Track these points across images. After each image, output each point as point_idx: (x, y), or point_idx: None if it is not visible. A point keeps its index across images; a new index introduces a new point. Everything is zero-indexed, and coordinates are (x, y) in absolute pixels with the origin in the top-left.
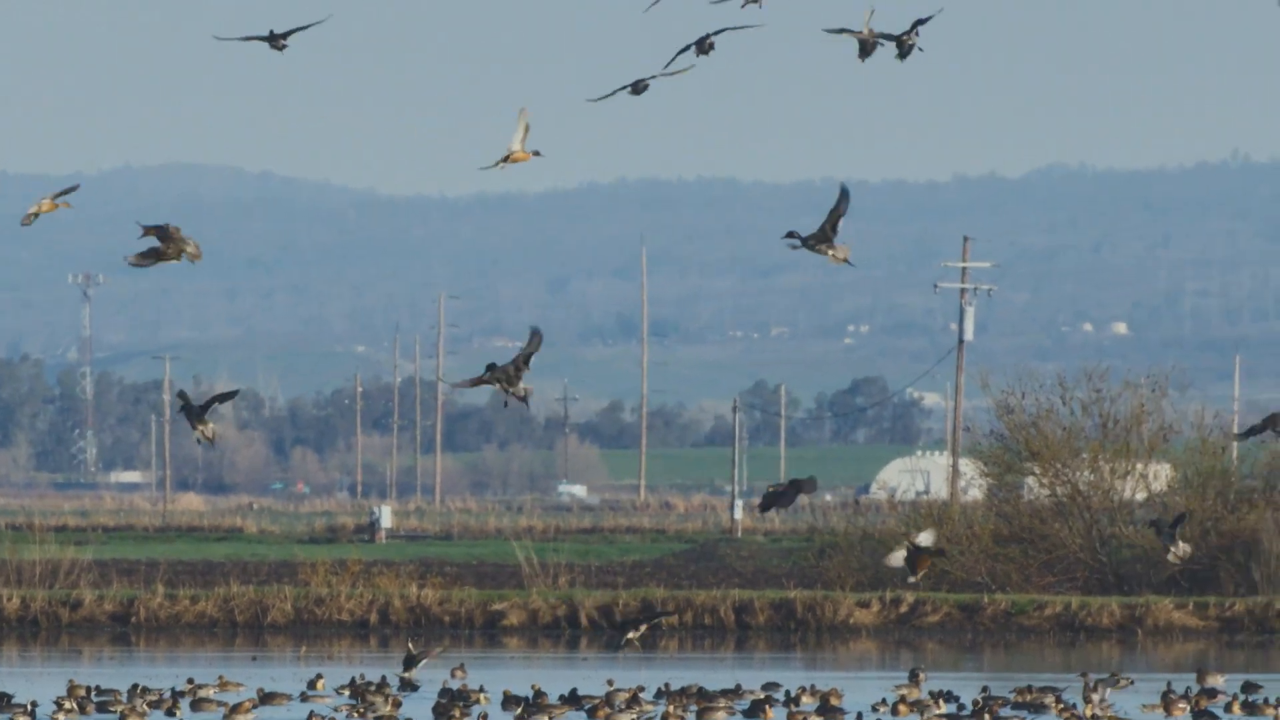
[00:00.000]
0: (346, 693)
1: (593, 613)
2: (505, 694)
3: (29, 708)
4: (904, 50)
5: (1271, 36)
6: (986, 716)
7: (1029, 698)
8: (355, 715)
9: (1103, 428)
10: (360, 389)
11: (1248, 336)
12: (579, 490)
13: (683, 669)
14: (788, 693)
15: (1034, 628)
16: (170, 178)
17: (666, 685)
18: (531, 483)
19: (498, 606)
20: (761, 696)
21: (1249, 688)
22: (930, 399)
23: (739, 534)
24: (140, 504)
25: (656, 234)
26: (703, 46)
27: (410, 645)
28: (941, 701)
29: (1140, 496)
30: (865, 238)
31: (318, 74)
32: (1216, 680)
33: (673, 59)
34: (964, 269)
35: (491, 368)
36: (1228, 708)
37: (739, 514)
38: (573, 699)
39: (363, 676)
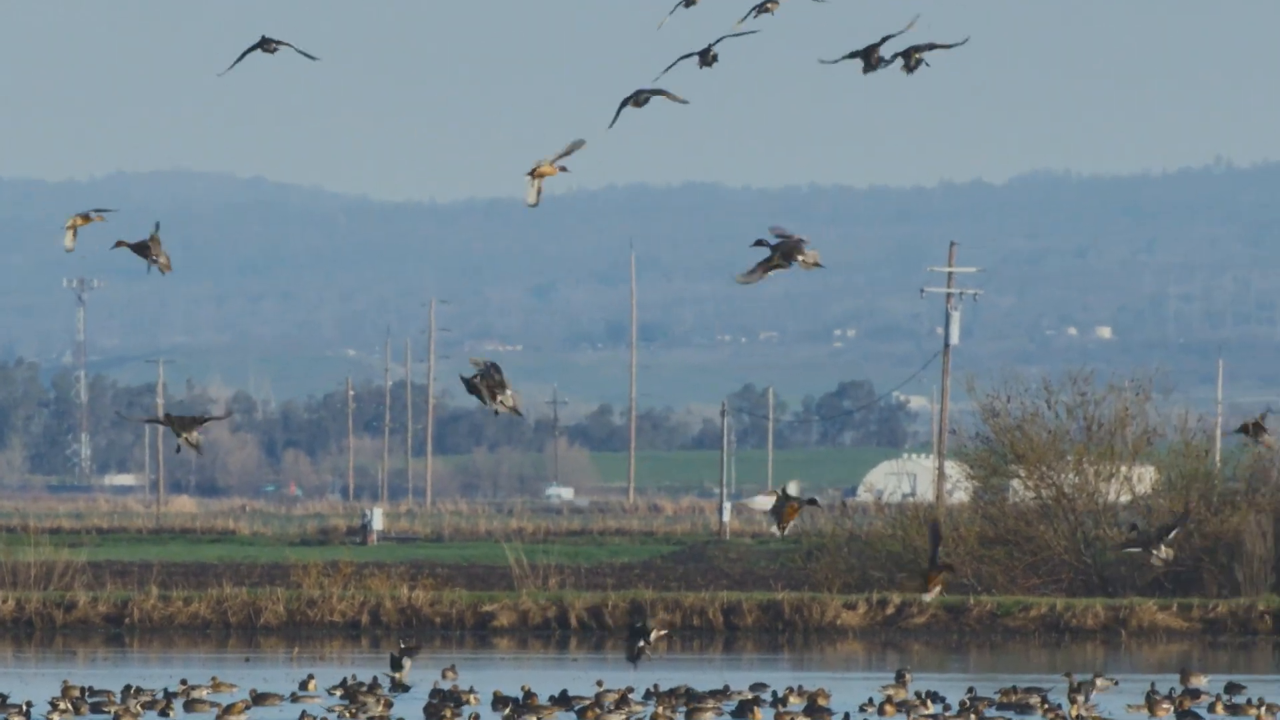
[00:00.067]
0: (338, 693)
1: (582, 614)
2: (495, 695)
3: (24, 708)
4: (911, 66)
5: (1254, 43)
6: (972, 717)
7: (1014, 698)
8: (347, 716)
9: (1087, 431)
10: (352, 392)
11: (1230, 340)
12: (566, 493)
13: (671, 670)
14: (775, 693)
15: (1019, 629)
16: (163, 184)
17: (655, 686)
18: (522, 485)
19: (488, 608)
20: (749, 697)
21: (1232, 688)
22: (916, 402)
23: (727, 536)
24: (134, 506)
25: (645, 239)
26: (706, 58)
27: (402, 644)
28: (930, 702)
29: (1124, 499)
30: (851, 243)
31: (310, 81)
32: (1200, 681)
33: (672, 64)
34: (950, 274)
35: (484, 373)
36: (1211, 708)
37: (727, 516)
38: (563, 700)
39: (354, 677)
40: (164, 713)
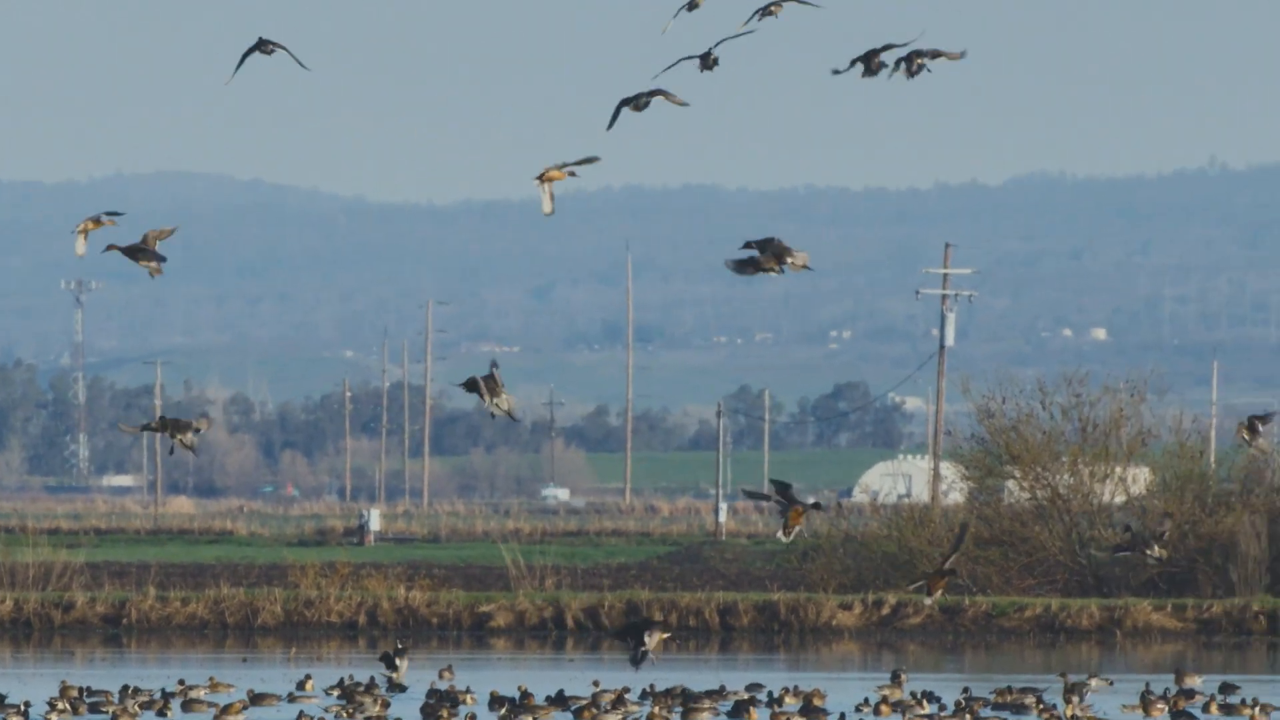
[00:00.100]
0: (336, 694)
1: (579, 614)
2: (492, 695)
3: (22, 708)
4: (913, 72)
5: (1249, 47)
6: (968, 717)
7: (1009, 698)
8: (344, 716)
9: (1082, 432)
10: (349, 393)
11: (1225, 342)
12: (562, 493)
13: (667, 670)
14: (771, 694)
15: (1014, 629)
16: (162, 185)
17: (651, 686)
18: (518, 486)
19: (485, 608)
20: (745, 697)
21: (1226, 688)
22: (912, 403)
23: (723, 537)
24: (132, 507)
25: (641, 240)
26: (706, 61)
27: (398, 644)
28: (926, 702)
29: (1119, 500)
30: (847, 244)
31: (308, 83)
32: (1194, 681)
33: (672, 65)
34: (945, 275)
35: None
36: (1205, 708)
37: (723, 517)
38: (559, 700)
39: (351, 677)
40: (162, 713)
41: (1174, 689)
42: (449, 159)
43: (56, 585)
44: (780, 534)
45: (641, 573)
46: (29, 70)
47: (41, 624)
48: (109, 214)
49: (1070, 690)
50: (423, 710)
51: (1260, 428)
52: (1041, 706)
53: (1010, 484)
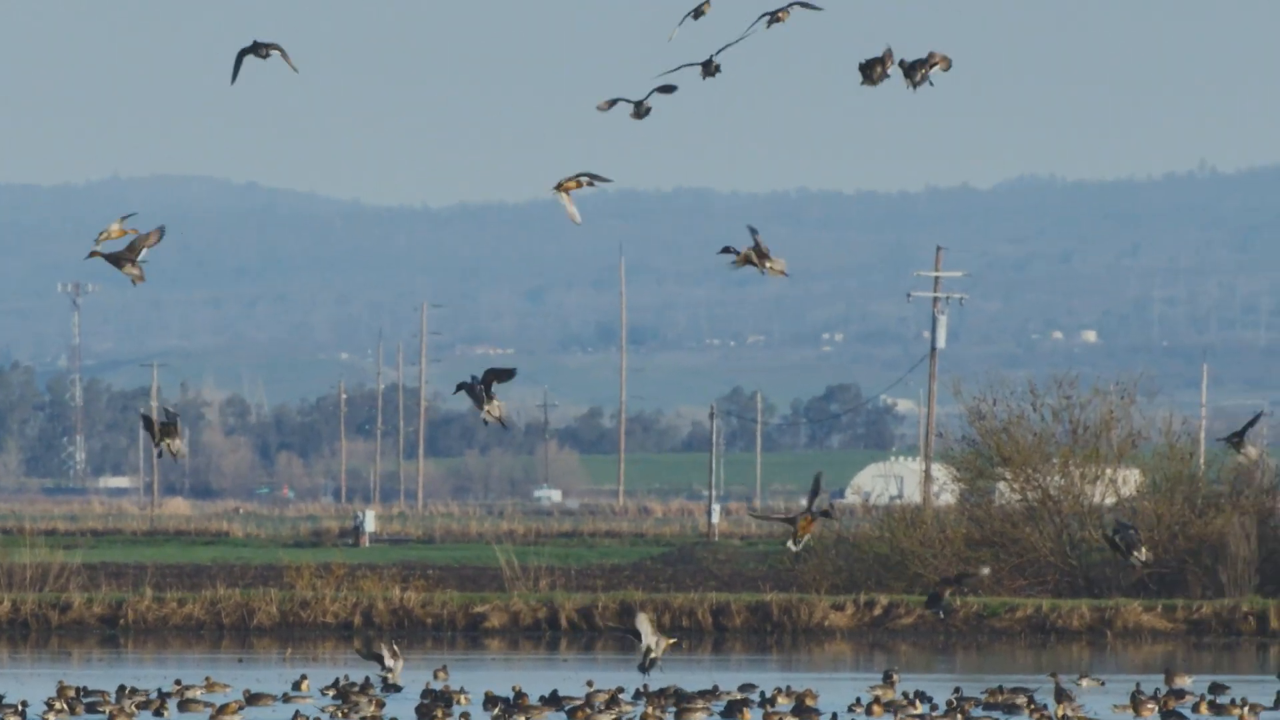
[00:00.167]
0: (331, 694)
1: (573, 615)
2: (487, 695)
3: (19, 708)
4: (916, 83)
5: (1239, 50)
6: (959, 717)
7: (1001, 698)
8: (340, 716)
9: (1073, 433)
10: (344, 395)
11: (1215, 344)
12: (555, 494)
13: (660, 670)
14: (763, 694)
15: (1005, 630)
16: (158, 188)
17: (645, 686)
18: (512, 487)
19: (479, 609)
20: (738, 698)
21: (1216, 689)
22: (903, 405)
23: (716, 538)
24: (128, 509)
25: (634, 244)
26: (708, 68)
27: (395, 646)
28: (919, 702)
29: (1109, 501)
30: (839, 247)
31: (304, 87)
32: (1184, 681)
33: (673, 70)
34: (936, 278)
35: (462, 386)
36: (1195, 708)
37: (716, 518)
38: (553, 700)
39: (347, 677)
40: (158, 713)
41: (1164, 689)
42: (444, 163)
43: (54, 586)
44: (790, 543)
45: (635, 573)
46: (26, 73)
47: (39, 624)
48: (126, 217)
49: (1060, 695)
50: (418, 710)
51: (1246, 440)
52: (1033, 707)
53: (1001, 485)
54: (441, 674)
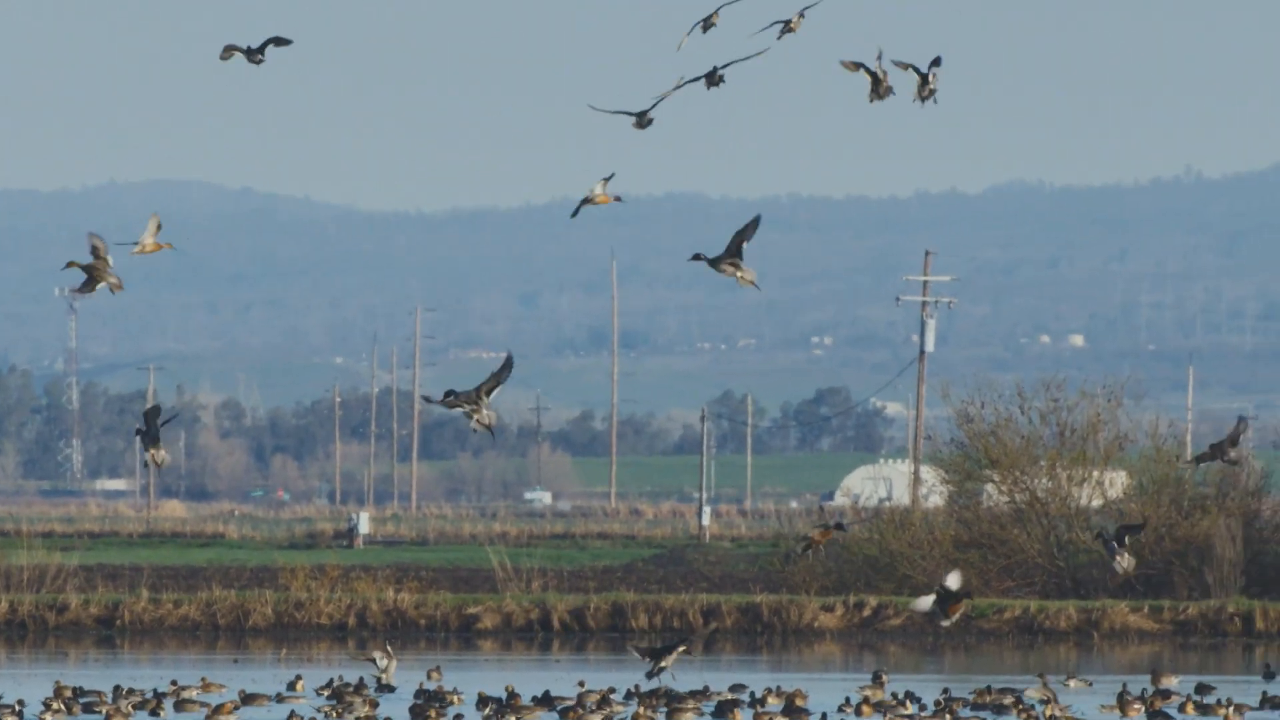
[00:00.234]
0: (326, 694)
1: (565, 616)
2: (479, 695)
3: (16, 708)
4: (924, 97)
5: (1224, 57)
6: (948, 717)
7: (989, 699)
8: (334, 716)
9: (1060, 436)
10: (339, 399)
11: (1201, 348)
12: (545, 496)
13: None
14: (753, 694)
15: (993, 630)
16: (154, 193)
17: (636, 687)
18: (505, 490)
19: (472, 610)
20: (729, 698)
21: (1202, 689)
22: (892, 408)
23: (707, 539)
24: (125, 510)
25: (626, 248)
26: (712, 79)
27: (387, 647)
28: (909, 702)
29: (1097, 503)
30: (829, 252)
31: (298, 92)
32: (1170, 681)
33: (680, 85)
34: (925, 282)
35: (451, 393)
36: (1181, 708)
37: (707, 520)
38: (545, 700)
39: (341, 678)
40: (154, 713)
41: (1151, 689)
42: (437, 168)
43: (51, 587)
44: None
45: (626, 575)
46: (24, 79)
47: (36, 625)
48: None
49: (1046, 697)
50: (411, 710)
51: (1230, 450)
52: (1020, 707)
53: (989, 488)
54: (435, 674)
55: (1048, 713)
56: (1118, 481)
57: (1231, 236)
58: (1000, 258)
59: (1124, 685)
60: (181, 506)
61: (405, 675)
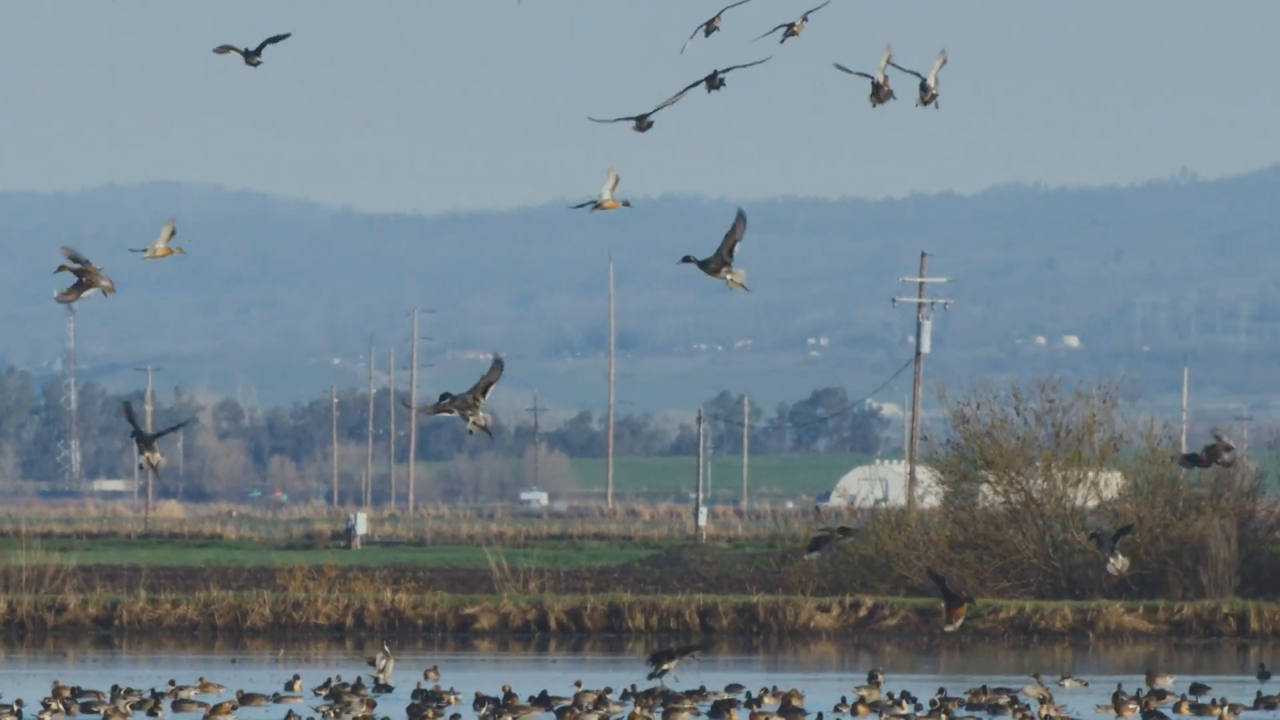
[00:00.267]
0: (323, 694)
1: (561, 616)
2: (477, 695)
3: (15, 707)
4: (926, 101)
5: (1219, 60)
6: (943, 717)
7: (984, 699)
8: (331, 716)
9: (1055, 437)
10: (336, 400)
11: (1195, 349)
12: (541, 497)
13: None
14: (750, 694)
15: (989, 631)
16: (153, 195)
17: (633, 687)
18: (502, 490)
19: (469, 610)
20: (725, 698)
21: (1197, 689)
22: (888, 409)
23: (703, 540)
24: (123, 511)
25: (623, 250)
26: (713, 83)
27: (386, 647)
28: (905, 702)
29: (1092, 504)
30: (825, 253)
31: (296, 94)
32: (1165, 681)
33: (682, 92)
34: (921, 284)
35: (446, 396)
36: (1176, 708)
37: (703, 520)
38: (542, 700)
39: (339, 678)
40: (152, 712)
41: (1146, 689)
42: (435, 170)
43: (49, 588)
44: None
45: (623, 575)
46: (23, 81)
47: (35, 625)
48: (170, 237)
49: (1041, 691)
50: (408, 710)
51: (1224, 454)
52: (1016, 707)
53: (985, 488)
54: (432, 674)
55: (1043, 712)
56: (1113, 482)
57: (1226, 238)
58: (996, 259)
59: (1119, 685)
60: (179, 507)
61: (402, 675)
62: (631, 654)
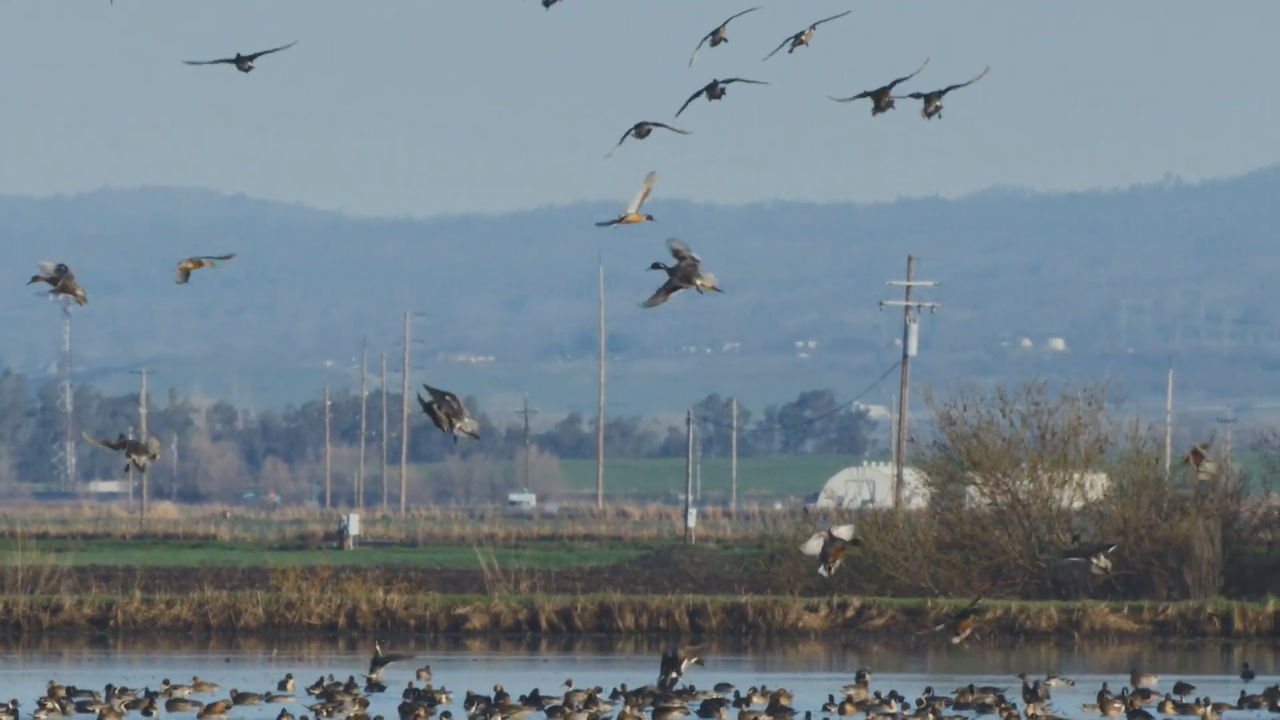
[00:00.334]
0: (316, 693)
1: (552, 616)
2: (468, 694)
3: (11, 706)
4: (930, 113)
5: (1203, 66)
6: (930, 716)
7: (971, 698)
8: (324, 714)
9: (1041, 439)
10: (329, 402)
11: (1180, 351)
12: (530, 498)
13: (638, 670)
14: (738, 693)
15: (975, 631)
16: (147, 199)
17: (623, 686)
18: (493, 492)
19: (461, 610)
20: (714, 697)
21: (1181, 688)
22: (876, 411)
23: (693, 541)
24: (118, 512)
25: (613, 253)
26: (714, 92)
27: (378, 648)
28: (893, 702)
29: (1077, 505)
30: (813, 257)
31: (290, 100)
32: (1150, 681)
33: (684, 106)
34: (908, 287)
35: (439, 399)
36: (1161, 707)
37: (692, 521)
38: (533, 699)
39: (331, 677)
40: (147, 711)
41: (1130, 689)
42: (426, 175)
43: (45, 588)
44: (821, 569)
45: (613, 576)
46: (17, 85)
47: (30, 626)
48: (209, 257)
49: (1031, 690)
50: (400, 709)
51: (1204, 455)
52: (1002, 706)
53: (971, 490)
54: (424, 674)
55: (1030, 711)
56: (1098, 483)
57: (1210, 242)
58: (982, 263)
59: (1104, 685)
60: (174, 508)
61: (395, 675)
62: (620, 653)
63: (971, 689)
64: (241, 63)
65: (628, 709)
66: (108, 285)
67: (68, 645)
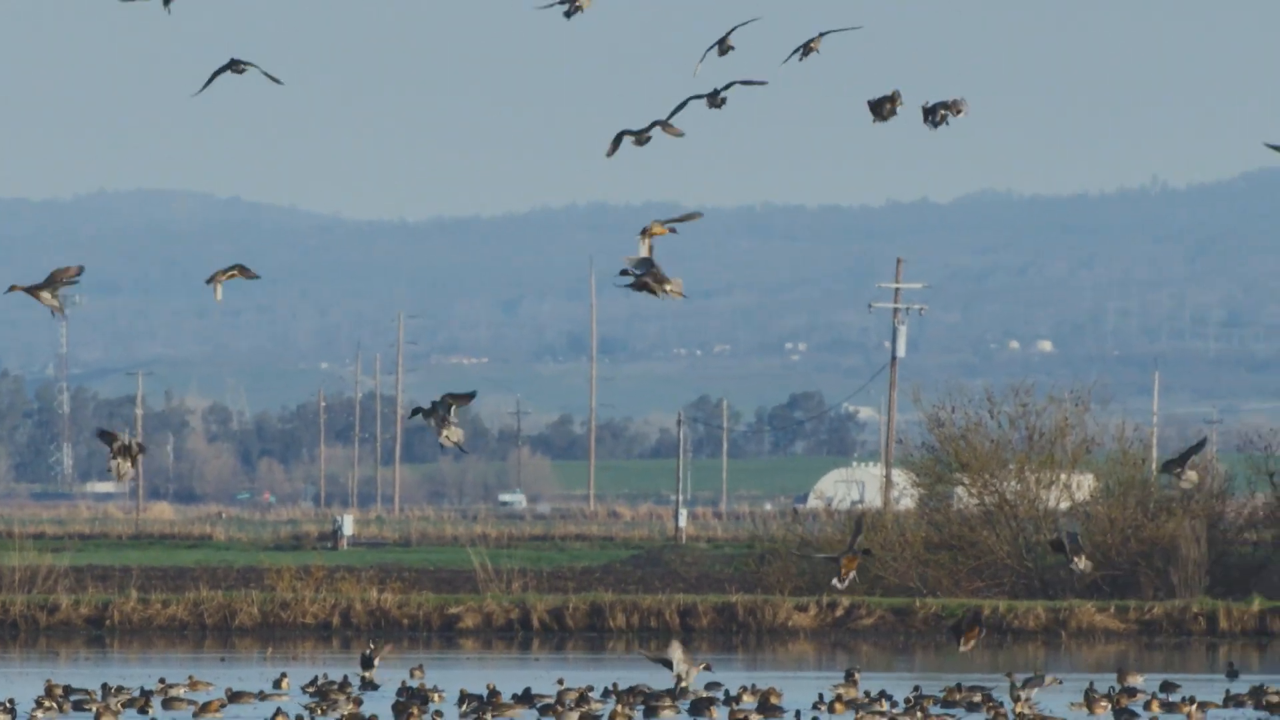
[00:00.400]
0: (310, 691)
1: (544, 616)
2: (461, 693)
3: (8, 705)
4: (936, 123)
5: (1189, 70)
6: (919, 714)
7: (959, 697)
8: (318, 713)
9: (1029, 440)
10: (324, 403)
11: (1166, 353)
12: (521, 499)
13: (629, 669)
14: (728, 692)
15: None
16: (144, 203)
17: (615, 685)
18: (486, 492)
19: (454, 610)
20: (705, 696)
21: (1167, 687)
22: (865, 413)
23: (684, 541)
24: (114, 513)
25: (605, 256)
26: (714, 100)
27: (370, 646)
28: (882, 700)
29: (1064, 505)
30: (803, 260)
31: (285, 104)
32: (1136, 680)
33: (681, 105)
34: (897, 289)
35: (447, 395)
36: (1147, 706)
37: (683, 522)
38: (526, 698)
39: (326, 676)
40: (143, 710)
41: (1117, 688)
42: (420, 178)
43: (42, 588)
44: (835, 581)
45: (605, 575)
46: (13, 88)
47: (27, 625)
48: (242, 268)
49: (1019, 688)
50: (394, 708)
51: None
52: (990, 704)
53: (959, 490)
54: (418, 673)
55: (1017, 710)
56: (1085, 484)
57: (1197, 245)
58: (971, 265)
59: (1091, 683)
60: (170, 509)
61: (388, 673)
62: (612, 653)
63: (959, 687)
64: (235, 66)
65: (619, 708)
66: (105, 287)
67: (64, 644)
